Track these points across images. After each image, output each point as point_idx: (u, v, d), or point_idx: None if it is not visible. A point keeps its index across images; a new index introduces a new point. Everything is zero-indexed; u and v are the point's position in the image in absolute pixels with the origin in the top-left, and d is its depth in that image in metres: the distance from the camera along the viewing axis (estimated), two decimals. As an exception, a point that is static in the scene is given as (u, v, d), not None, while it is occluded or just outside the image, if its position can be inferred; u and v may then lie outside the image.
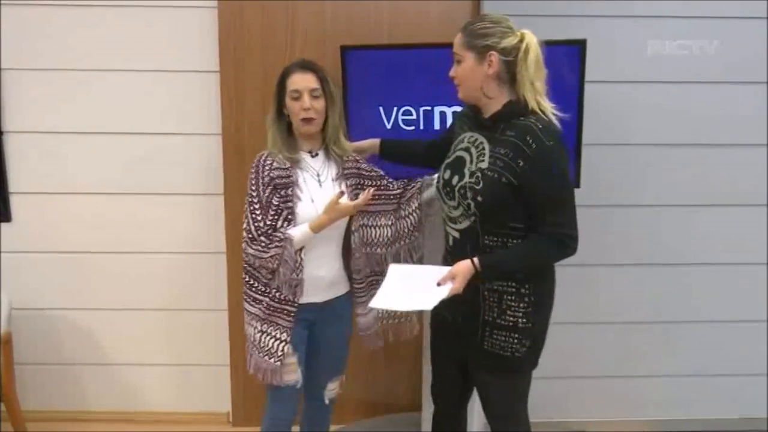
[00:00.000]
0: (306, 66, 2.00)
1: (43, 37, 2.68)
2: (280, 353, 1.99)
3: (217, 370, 2.97)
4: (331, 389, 2.20)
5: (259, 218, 1.95)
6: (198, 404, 3.01)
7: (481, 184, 1.72)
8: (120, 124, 2.75)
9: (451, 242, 1.88)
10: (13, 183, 2.78)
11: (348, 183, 2.07)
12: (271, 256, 1.93)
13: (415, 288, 1.75)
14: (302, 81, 1.97)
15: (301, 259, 1.97)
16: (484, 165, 1.73)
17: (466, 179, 1.76)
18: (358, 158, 2.14)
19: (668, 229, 2.80)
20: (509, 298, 1.78)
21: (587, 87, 2.29)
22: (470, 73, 1.75)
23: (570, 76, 2.22)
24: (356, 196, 2.05)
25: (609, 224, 2.75)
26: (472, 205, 1.73)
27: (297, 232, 1.95)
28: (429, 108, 2.37)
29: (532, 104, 1.73)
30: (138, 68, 2.71)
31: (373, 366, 2.92)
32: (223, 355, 2.92)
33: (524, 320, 1.79)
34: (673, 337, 2.90)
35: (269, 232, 1.94)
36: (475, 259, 1.71)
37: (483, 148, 1.76)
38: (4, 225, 2.81)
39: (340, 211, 1.96)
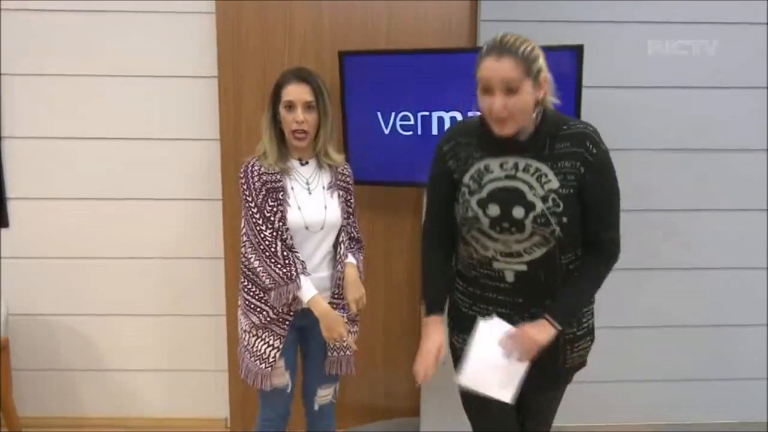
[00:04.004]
0: (302, 77, 1.99)
1: (39, 42, 2.68)
2: (271, 359, 2.01)
3: (214, 375, 2.96)
4: (322, 396, 2.19)
5: (261, 224, 1.96)
6: (195, 410, 3.00)
7: (561, 205, 1.58)
8: (118, 129, 2.75)
9: (511, 278, 1.67)
10: (10, 188, 2.77)
11: (339, 193, 2.08)
12: (273, 280, 1.94)
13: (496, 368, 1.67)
14: (297, 92, 1.97)
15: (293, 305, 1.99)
16: (555, 185, 1.59)
17: (541, 207, 1.58)
18: (348, 173, 2.16)
19: (668, 234, 2.80)
20: None
21: (587, 92, 2.29)
22: (529, 102, 1.55)
23: (567, 81, 2.22)
24: (345, 203, 2.10)
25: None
26: (558, 231, 1.58)
27: (304, 284, 1.95)
28: (427, 113, 2.38)
29: (549, 106, 1.66)
30: (136, 74, 2.71)
31: (372, 371, 2.91)
32: (221, 360, 2.91)
33: (593, 318, 1.77)
34: (670, 341, 2.90)
35: (280, 246, 1.94)
36: (549, 318, 1.61)
37: (540, 170, 1.60)
38: (1, 230, 2.79)
39: (332, 328, 1.96)
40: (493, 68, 1.52)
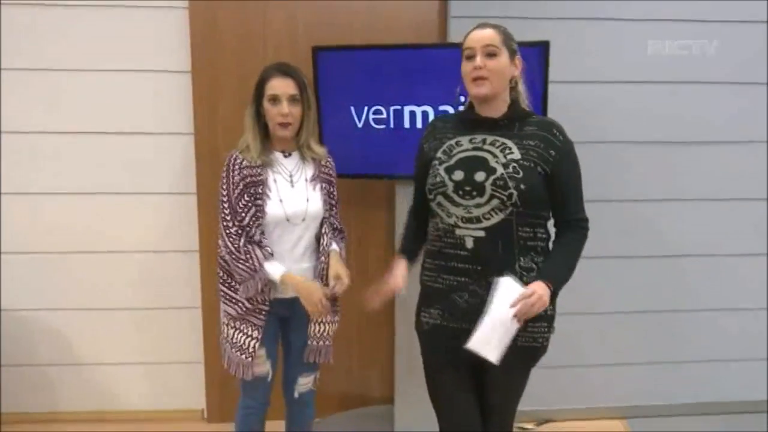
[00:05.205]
0: (286, 71, 2.04)
1: (15, 38, 2.67)
2: (251, 350, 2.05)
3: (191, 367, 2.98)
4: (302, 384, 2.24)
5: (229, 220, 2.01)
6: (173, 402, 3.03)
7: (521, 173, 1.74)
8: (92, 124, 2.75)
9: (470, 245, 1.79)
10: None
11: (321, 186, 2.13)
12: (239, 274, 2.00)
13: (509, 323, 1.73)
14: (281, 86, 2.01)
15: (266, 290, 2.03)
16: (517, 156, 1.76)
17: (501, 171, 1.74)
18: (331, 165, 2.20)
19: (642, 223, 2.91)
20: None
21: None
22: (504, 69, 1.79)
23: (534, 76, 2.28)
24: (328, 195, 2.15)
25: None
26: (515, 194, 1.72)
27: (270, 268, 1.99)
28: (399, 107, 2.43)
29: (524, 104, 1.89)
30: (111, 68, 2.71)
31: (346, 360, 2.96)
32: (197, 352, 2.94)
33: (550, 307, 1.85)
34: (644, 326, 3.01)
35: (243, 241, 1.98)
36: (547, 281, 1.74)
37: (505, 144, 1.79)
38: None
39: (310, 297, 2.00)
40: (477, 35, 1.80)
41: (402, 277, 1.93)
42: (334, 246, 2.16)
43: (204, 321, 2.89)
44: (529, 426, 2.97)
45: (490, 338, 1.72)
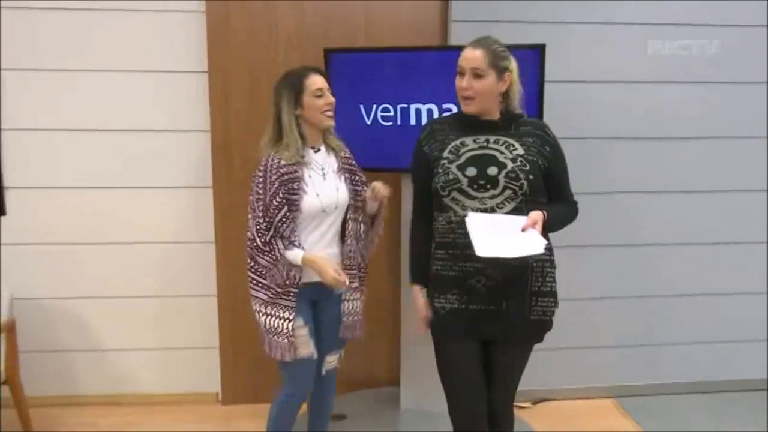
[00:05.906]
0: (318, 70, 2.23)
1: (38, 38, 2.81)
2: (286, 331, 2.18)
3: (206, 352, 3.13)
4: (329, 362, 2.39)
5: (260, 216, 2.15)
6: (188, 385, 3.17)
7: (528, 166, 1.92)
8: (115, 122, 2.90)
9: None
10: (8, 178, 2.88)
11: (346, 176, 2.29)
12: (263, 265, 2.16)
13: (506, 236, 1.84)
14: (322, 81, 2.20)
15: (292, 275, 2.17)
16: (521, 151, 1.94)
17: (511, 165, 1.92)
18: (350, 155, 2.35)
19: (626, 214, 3.10)
20: (547, 265, 2.01)
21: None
22: (491, 89, 1.94)
23: (531, 77, 2.40)
24: (352, 183, 2.30)
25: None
26: (525, 184, 1.91)
27: (291, 255, 2.15)
28: (405, 106, 2.60)
29: (518, 108, 2.04)
30: (133, 69, 2.86)
31: (353, 342, 3.06)
32: (212, 337, 3.08)
33: (555, 284, 2.04)
34: (633, 310, 3.19)
35: (269, 236, 2.13)
36: (544, 210, 1.90)
37: (508, 141, 1.97)
38: (0, 218, 2.90)
39: (326, 272, 2.14)
40: (467, 56, 1.94)
41: (426, 307, 2.08)
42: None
43: (219, 308, 3.03)
44: (525, 405, 3.13)
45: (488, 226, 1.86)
